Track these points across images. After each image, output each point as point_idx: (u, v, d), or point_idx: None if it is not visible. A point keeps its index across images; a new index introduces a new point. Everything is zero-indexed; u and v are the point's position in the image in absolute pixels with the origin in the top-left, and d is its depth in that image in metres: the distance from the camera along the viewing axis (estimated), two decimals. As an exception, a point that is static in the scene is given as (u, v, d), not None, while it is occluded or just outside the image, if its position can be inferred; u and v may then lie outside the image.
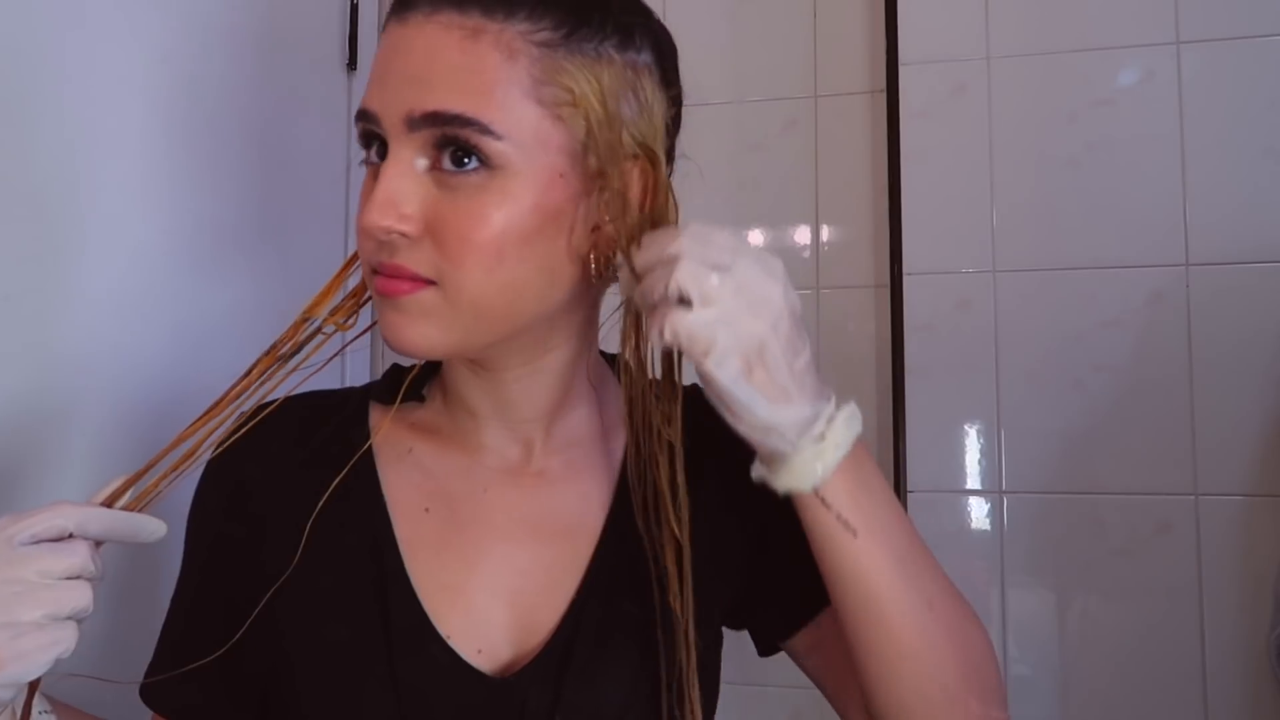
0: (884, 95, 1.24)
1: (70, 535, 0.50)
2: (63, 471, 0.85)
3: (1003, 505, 1.18)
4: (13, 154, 0.81)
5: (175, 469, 0.57)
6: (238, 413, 0.60)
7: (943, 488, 1.19)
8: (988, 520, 1.18)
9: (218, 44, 1.06)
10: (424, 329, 0.55)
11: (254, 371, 0.60)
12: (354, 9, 1.35)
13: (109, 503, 0.54)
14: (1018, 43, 1.21)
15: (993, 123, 1.21)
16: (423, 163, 0.54)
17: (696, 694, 0.58)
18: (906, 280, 1.21)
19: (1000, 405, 1.18)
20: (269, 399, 0.62)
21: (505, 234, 0.54)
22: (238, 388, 0.59)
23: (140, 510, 0.54)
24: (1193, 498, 1.12)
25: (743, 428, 0.53)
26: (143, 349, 0.94)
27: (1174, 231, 1.15)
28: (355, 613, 0.60)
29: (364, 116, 0.56)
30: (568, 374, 0.63)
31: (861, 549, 0.54)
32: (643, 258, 0.54)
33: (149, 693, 0.64)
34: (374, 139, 0.56)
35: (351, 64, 1.34)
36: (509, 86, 0.53)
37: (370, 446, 0.64)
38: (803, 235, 1.28)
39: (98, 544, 0.52)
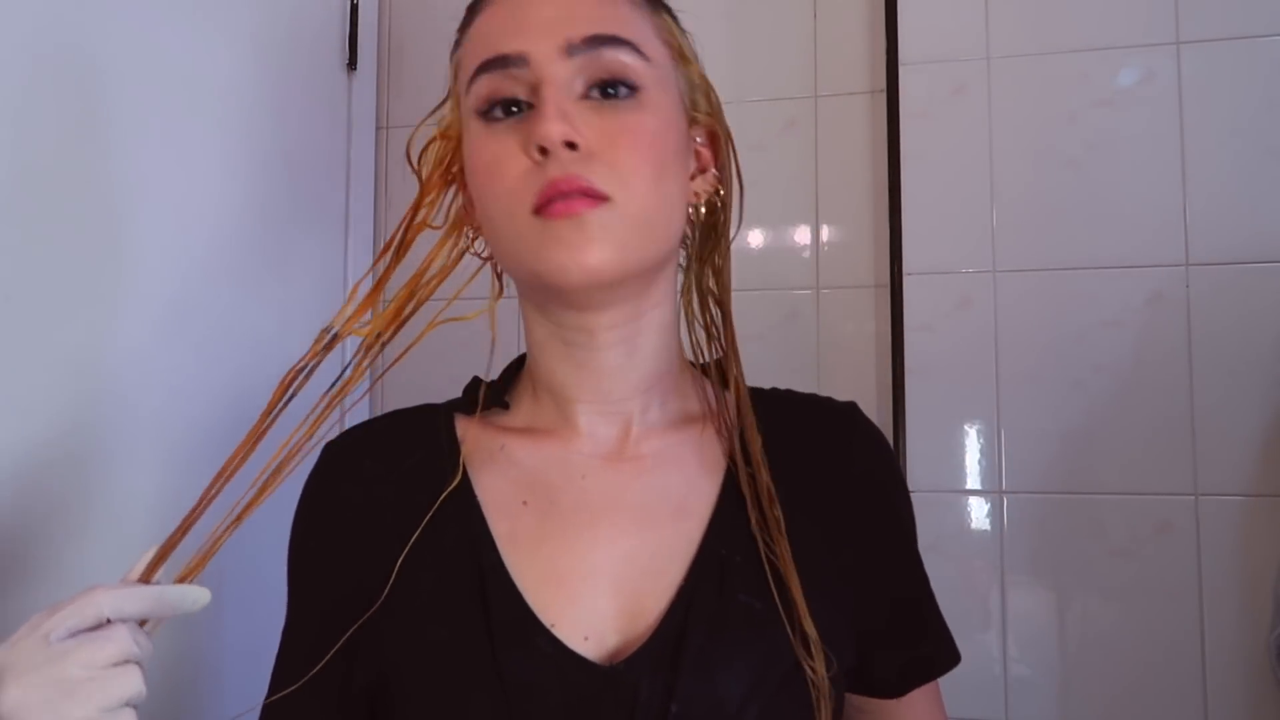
0: (884, 95, 1.24)
1: (108, 620, 0.48)
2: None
3: (1003, 505, 1.18)
4: (10, 156, 0.81)
5: (224, 533, 0.54)
6: (274, 451, 0.57)
7: (943, 488, 1.19)
8: (988, 520, 1.18)
9: (218, 44, 1.06)
10: (603, 248, 0.55)
11: (272, 403, 0.57)
12: (354, 9, 1.35)
13: (146, 577, 0.52)
14: (1018, 43, 1.21)
15: (993, 123, 1.21)
16: (576, 90, 0.57)
17: (827, 702, 0.57)
18: (906, 280, 1.21)
19: (1000, 405, 1.18)
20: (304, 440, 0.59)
21: (664, 145, 0.58)
22: (259, 426, 0.57)
23: (188, 580, 0.52)
24: (1193, 498, 1.12)
25: None
26: (138, 349, 0.94)
27: (1174, 231, 1.15)
28: (455, 612, 0.59)
29: (505, 62, 0.57)
30: (666, 342, 0.64)
31: None
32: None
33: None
34: (496, 103, 0.58)
35: (351, 64, 1.34)
36: (643, 24, 0.60)
37: (462, 454, 0.63)
38: (803, 235, 1.28)
39: (141, 621, 0.50)
